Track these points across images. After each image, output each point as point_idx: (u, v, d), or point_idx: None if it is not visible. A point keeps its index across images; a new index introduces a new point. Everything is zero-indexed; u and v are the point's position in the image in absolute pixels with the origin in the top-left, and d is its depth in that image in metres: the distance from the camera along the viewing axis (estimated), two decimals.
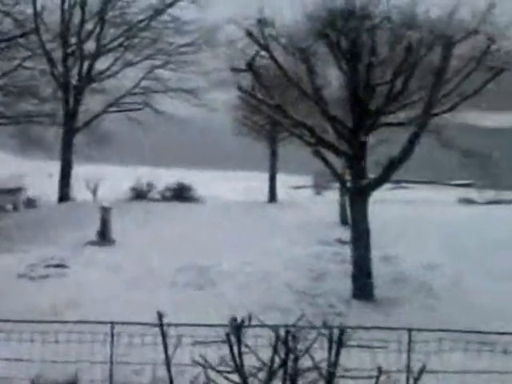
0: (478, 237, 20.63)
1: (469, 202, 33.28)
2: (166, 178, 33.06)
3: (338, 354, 4.14)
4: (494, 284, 15.47)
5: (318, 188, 40.24)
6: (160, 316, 4.79)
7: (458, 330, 8.06)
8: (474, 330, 8.30)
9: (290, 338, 4.05)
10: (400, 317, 13.12)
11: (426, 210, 28.22)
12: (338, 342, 4.11)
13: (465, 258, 17.89)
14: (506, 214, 26.65)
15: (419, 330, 7.76)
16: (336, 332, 4.46)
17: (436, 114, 13.91)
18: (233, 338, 4.03)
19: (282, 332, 4.12)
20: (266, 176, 34.12)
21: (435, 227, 22.35)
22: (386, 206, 25.30)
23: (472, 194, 34.32)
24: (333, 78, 16.13)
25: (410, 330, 7.05)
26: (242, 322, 4.08)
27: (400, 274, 16.48)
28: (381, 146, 17.30)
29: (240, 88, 15.69)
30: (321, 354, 4.57)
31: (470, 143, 16.83)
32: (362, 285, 14.32)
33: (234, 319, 4.06)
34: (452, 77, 13.93)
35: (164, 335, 4.71)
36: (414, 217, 25.15)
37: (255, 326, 4.61)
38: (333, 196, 26.44)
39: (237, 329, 3.96)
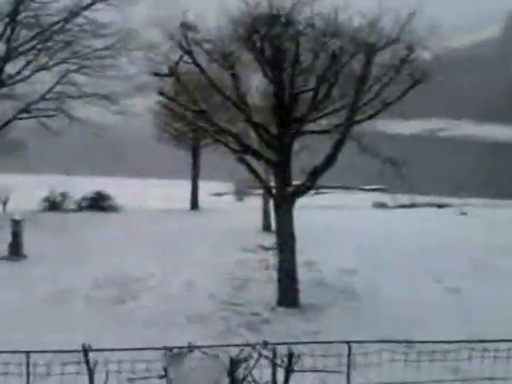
0: (391, 240, 21.20)
1: (382, 206, 34.21)
2: (83, 186, 31.77)
3: (287, 380, 3.78)
4: (408, 286, 15.76)
5: (240, 194, 40.13)
6: (85, 350, 4.22)
7: (397, 341, 7.89)
8: (412, 340, 8.12)
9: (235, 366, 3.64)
10: (325, 321, 13.04)
11: (343, 214, 28.75)
12: (287, 367, 3.75)
13: (380, 261, 18.22)
14: (418, 217, 27.60)
15: (359, 342, 7.53)
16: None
17: (359, 122, 13.96)
18: (171, 370, 3.57)
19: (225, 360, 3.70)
20: (188, 183, 33.56)
21: (352, 231, 22.76)
22: (304, 211, 25.48)
23: (385, 198, 35.31)
24: (257, 85, 15.89)
25: (349, 344, 6.78)
26: (179, 353, 3.62)
27: (322, 279, 16.50)
28: (305, 152, 17.27)
29: (161, 93, 15.14)
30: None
31: (384, 149, 17.13)
32: (288, 291, 14.09)
33: (170, 349, 3.60)
34: (373, 84, 14.03)
35: (90, 368, 4.16)
36: (333, 222, 25.54)
37: (199, 349, 4.16)
38: (255, 202, 26.32)
39: (174, 359, 3.50)
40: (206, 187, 36.80)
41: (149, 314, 13.03)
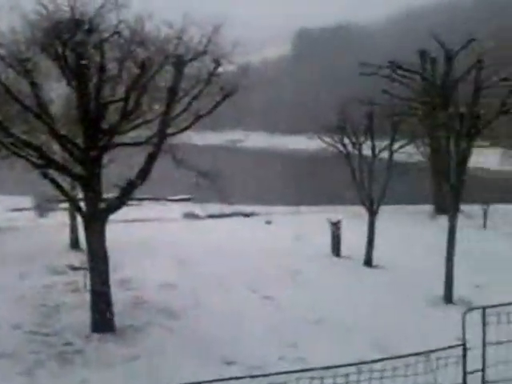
0: (206, 251, 21.02)
1: (193, 216, 33.93)
2: None
3: None
4: (226, 299, 15.61)
5: (41, 210, 36.97)
6: None
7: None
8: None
9: None
10: (144, 344, 12.26)
11: (155, 227, 27.93)
12: None
13: (198, 274, 17.87)
14: (228, 227, 27.87)
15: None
16: None
17: (171, 134, 13.42)
18: None
19: None
20: None
21: (166, 244, 22.10)
22: (115, 225, 24.24)
23: (195, 208, 35.07)
24: (61, 94, 14.52)
25: None
26: None
27: (139, 297, 15.58)
28: (115, 165, 16.22)
29: None
30: None
31: (194, 161, 16.88)
32: (102, 315, 12.97)
33: None
34: (184, 96, 13.63)
35: None
36: (145, 235, 24.60)
37: None
38: (61, 218, 24.26)
39: None
40: (5, 202, 33.53)
41: None
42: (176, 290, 16.29)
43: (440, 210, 34.24)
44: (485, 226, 29.54)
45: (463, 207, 25.36)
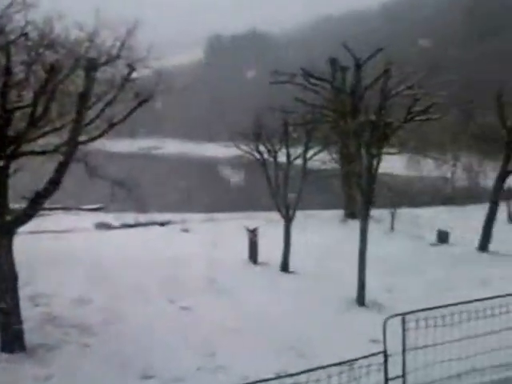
0: (122, 262, 20.32)
1: (106, 226, 32.77)
2: None
3: None
4: (143, 311, 15.13)
5: None
6: None
7: None
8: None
9: None
10: (58, 363, 11.54)
11: (66, 238, 26.71)
12: None
13: (115, 287, 17.18)
14: (144, 236, 27.15)
15: None
16: None
17: (83, 142, 12.77)
18: None
19: None
20: None
21: (79, 256, 21.11)
22: (21, 238, 22.92)
23: (108, 218, 33.91)
24: None
25: None
26: None
27: (51, 313, 14.66)
28: (24, 174, 15.24)
29: None
30: None
31: (109, 169, 16.26)
32: (10, 334, 12.09)
33: None
34: (96, 102, 13.05)
35: None
36: (55, 247, 23.41)
37: None
38: None
39: None
40: None
41: None
42: (91, 304, 15.52)
43: (351, 214, 35.27)
44: (392, 229, 30.67)
45: (372, 212, 26.17)
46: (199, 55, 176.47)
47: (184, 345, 12.64)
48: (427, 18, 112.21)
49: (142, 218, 30.82)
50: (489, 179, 37.99)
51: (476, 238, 25.39)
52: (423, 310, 6.94)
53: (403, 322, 7.03)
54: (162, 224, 31.33)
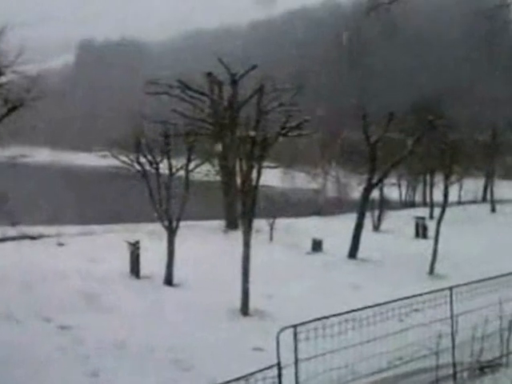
0: None
1: None
2: None
3: None
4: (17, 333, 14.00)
5: None
6: None
7: None
8: None
9: None
10: None
11: None
12: None
13: None
14: (14, 251, 25.16)
15: None
16: None
17: None
18: None
19: None
20: None
21: None
22: None
23: None
24: None
25: None
26: None
27: None
28: None
29: None
30: None
31: None
32: None
33: None
34: None
35: None
36: None
37: None
38: None
39: None
40: None
41: None
42: None
43: (232, 225, 35.62)
44: (271, 239, 31.38)
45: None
46: (71, 60, 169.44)
47: (66, 366, 11.91)
48: (296, 41, 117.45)
49: (11, 231, 28.72)
50: (356, 191, 40.34)
51: (346, 246, 26.72)
52: (314, 320, 7.12)
53: (295, 332, 7.15)
54: (34, 238, 29.30)
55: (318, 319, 7.23)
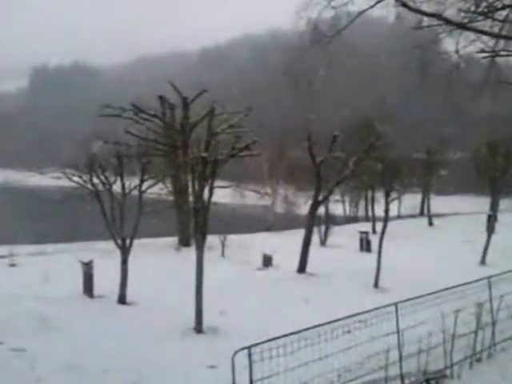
0: None
1: None
2: None
3: None
4: None
5: None
6: None
7: None
8: None
9: None
10: None
11: None
12: None
13: None
14: None
15: None
16: None
17: None
18: None
19: None
20: None
21: None
22: None
23: None
24: None
25: None
26: None
27: None
28: None
29: None
30: None
31: None
32: None
33: None
34: None
35: None
36: None
37: None
38: None
39: None
40: None
41: None
42: None
43: (184, 242, 35.15)
44: (223, 255, 31.03)
45: None
46: (24, 85, 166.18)
47: None
48: (242, 68, 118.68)
49: None
50: (304, 208, 40.52)
51: (295, 261, 26.64)
52: (268, 340, 6.88)
53: (249, 353, 6.89)
54: None
55: (271, 340, 6.99)
